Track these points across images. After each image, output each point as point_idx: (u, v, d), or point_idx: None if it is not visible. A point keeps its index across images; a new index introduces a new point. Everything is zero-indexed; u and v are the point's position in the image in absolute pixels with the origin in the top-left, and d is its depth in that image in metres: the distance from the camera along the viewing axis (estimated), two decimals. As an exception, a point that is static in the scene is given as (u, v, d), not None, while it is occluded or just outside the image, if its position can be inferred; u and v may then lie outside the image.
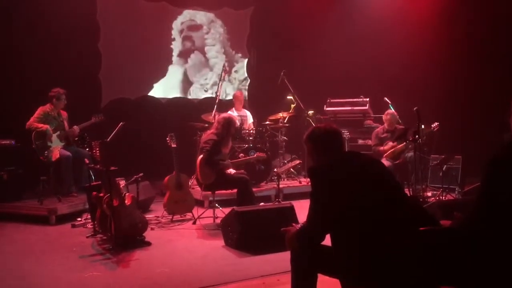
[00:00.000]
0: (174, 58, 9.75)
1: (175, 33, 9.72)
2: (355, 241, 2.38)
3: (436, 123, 7.07)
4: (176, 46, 9.77)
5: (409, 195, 5.93)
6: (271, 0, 10.13)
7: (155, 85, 9.51)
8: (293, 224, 2.84)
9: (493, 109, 8.19)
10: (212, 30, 10.14)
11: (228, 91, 10.25)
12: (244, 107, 8.44)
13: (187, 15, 9.87)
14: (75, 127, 6.62)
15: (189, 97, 9.98)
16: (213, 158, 5.63)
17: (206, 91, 10.06)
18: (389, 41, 9.40)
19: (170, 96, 9.73)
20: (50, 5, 7.86)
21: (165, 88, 9.65)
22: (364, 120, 8.54)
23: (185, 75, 9.92)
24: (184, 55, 9.91)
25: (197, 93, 10.06)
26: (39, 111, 6.53)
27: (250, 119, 8.22)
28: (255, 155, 6.44)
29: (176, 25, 9.74)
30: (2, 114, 7.26)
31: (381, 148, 7.26)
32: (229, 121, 5.88)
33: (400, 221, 2.41)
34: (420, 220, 2.43)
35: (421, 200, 6.02)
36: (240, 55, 10.47)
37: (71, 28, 8.12)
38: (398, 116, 7.42)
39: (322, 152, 2.70)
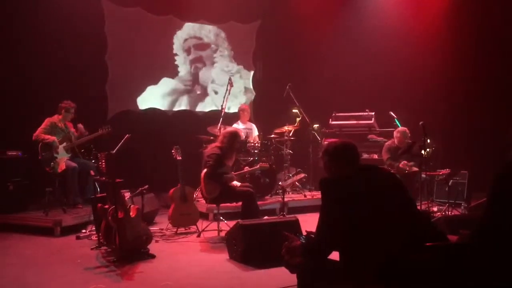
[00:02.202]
0: (180, 72, 9.77)
1: (176, 47, 9.73)
2: (364, 255, 2.38)
3: (447, 169, 6.82)
4: (181, 62, 9.79)
5: (420, 209, 5.92)
6: (278, 15, 10.20)
7: (160, 97, 9.54)
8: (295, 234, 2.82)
9: (499, 124, 8.22)
10: (220, 47, 10.19)
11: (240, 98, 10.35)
12: (249, 120, 8.46)
13: (191, 32, 9.90)
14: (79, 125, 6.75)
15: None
16: (217, 172, 5.64)
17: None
18: (395, 55, 9.41)
19: (175, 109, 9.76)
20: (58, 18, 7.92)
21: (170, 100, 9.67)
22: (369, 134, 8.50)
23: (192, 86, 9.93)
24: (192, 73, 9.93)
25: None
26: (46, 122, 6.58)
27: (255, 132, 8.23)
28: (257, 166, 6.43)
29: (178, 39, 9.75)
30: (9, 125, 7.30)
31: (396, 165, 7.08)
32: (235, 135, 5.90)
33: (409, 235, 2.40)
34: (429, 235, 2.43)
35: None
36: (242, 67, 10.47)
37: (78, 40, 8.18)
38: (409, 133, 7.26)
39: (339, 166, 2.73)
